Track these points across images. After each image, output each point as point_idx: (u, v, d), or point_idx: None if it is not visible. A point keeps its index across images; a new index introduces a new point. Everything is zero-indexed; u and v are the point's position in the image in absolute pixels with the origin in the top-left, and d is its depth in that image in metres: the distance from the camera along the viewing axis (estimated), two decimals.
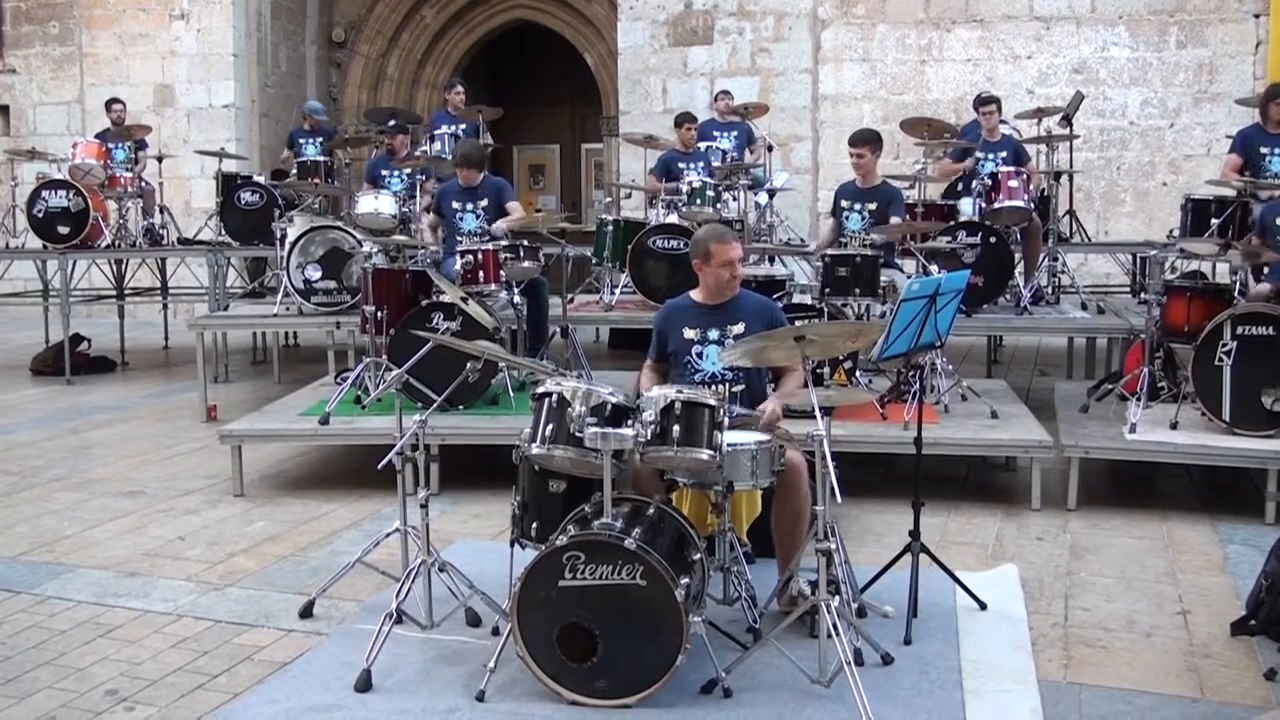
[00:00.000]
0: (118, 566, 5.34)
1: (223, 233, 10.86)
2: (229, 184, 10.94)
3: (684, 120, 9.95)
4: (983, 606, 4.61)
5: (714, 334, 4.76)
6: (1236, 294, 6.68)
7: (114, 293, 11.97)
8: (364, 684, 3.91)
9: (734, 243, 4.75)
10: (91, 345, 11.19)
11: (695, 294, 4.90)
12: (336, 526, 5.97)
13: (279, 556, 5.49)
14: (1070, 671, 4.11)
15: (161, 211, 11.66)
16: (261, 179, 11.23)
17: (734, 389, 4.62)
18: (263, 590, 5.03)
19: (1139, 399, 6.43)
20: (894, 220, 7.32)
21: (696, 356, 4.77)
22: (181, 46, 14.57)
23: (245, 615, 4.72)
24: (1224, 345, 6.00)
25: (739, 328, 4.73)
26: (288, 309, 8.76)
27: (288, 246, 8.62)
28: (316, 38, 16.32)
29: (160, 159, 12.08)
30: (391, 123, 10.16)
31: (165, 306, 12.43)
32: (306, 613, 4.66)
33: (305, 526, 5.98)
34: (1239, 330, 5.98)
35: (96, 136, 11.42)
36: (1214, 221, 8.15)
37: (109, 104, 11.76)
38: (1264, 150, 8.38)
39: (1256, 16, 12.28)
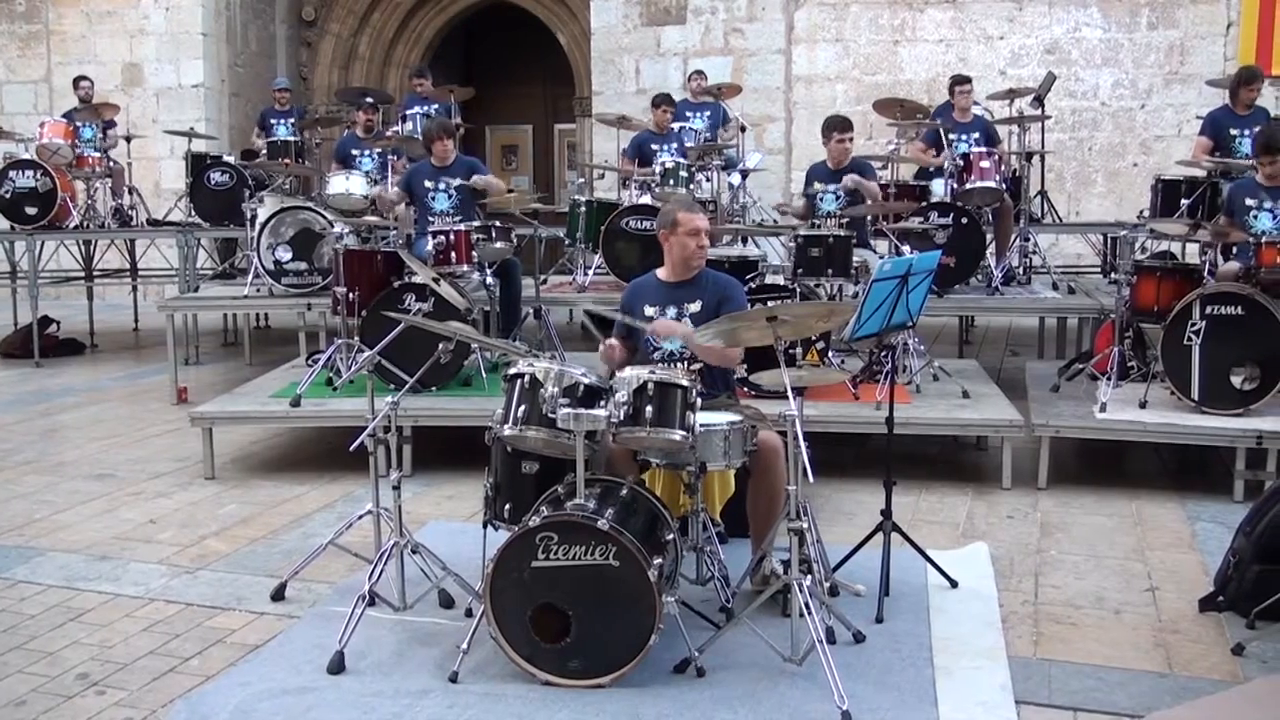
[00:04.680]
0: (88, 550, 5.31)
1: (192, 213, 10.78)
2: (199, 164, 10.84)
3: (661, 102, 9.91)
4: (954, 584, 4.64)
5: (672, 312, 4.73)
6: (1206, 274, 6.72)
7: (83, 274, 11.86)
8: (337, 666, 3.90)
9: (701, 214, 4.73)
10: (60, 327, 11.09)
11: (661, 272, 4.87)
12: (308, 509, 5.95)
13: (251, 539, 5.47)
14: (1040, 648, 4.15)
15: (130, 192, 11.55)
16: (231, 159, 11.13)
17: (692, 368, 4.59)
18: (234, 573, 5.01)
19: (1109, 378, 6.48)
20: (869, 184, 7.37)
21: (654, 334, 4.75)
22: (150, 25, 14.42)
23: (217, 598, 4.70)
24: (1193, 325, 6.04)
25: (695, 306, 4.71)
26: (258, 290, 8.71)
27: (258, 227, 8.56)
28: (286, 16, 16.17)
29: (129, 139, 11.95)
30: (368, 99, 10.10)
31: (135, 288, 12.33)
32: (278, 595, 4.65)
33: (277, 509, 5.96)
34: (1208, 310, 6.02)
35: (64, 116, 11.28)
36: (1184, 202, 8.21)
37: (76, 81, 11.63)
38: (1233, 132, 8.46)
39: None
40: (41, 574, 4.99)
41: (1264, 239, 6.28)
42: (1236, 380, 5.99)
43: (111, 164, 11.22)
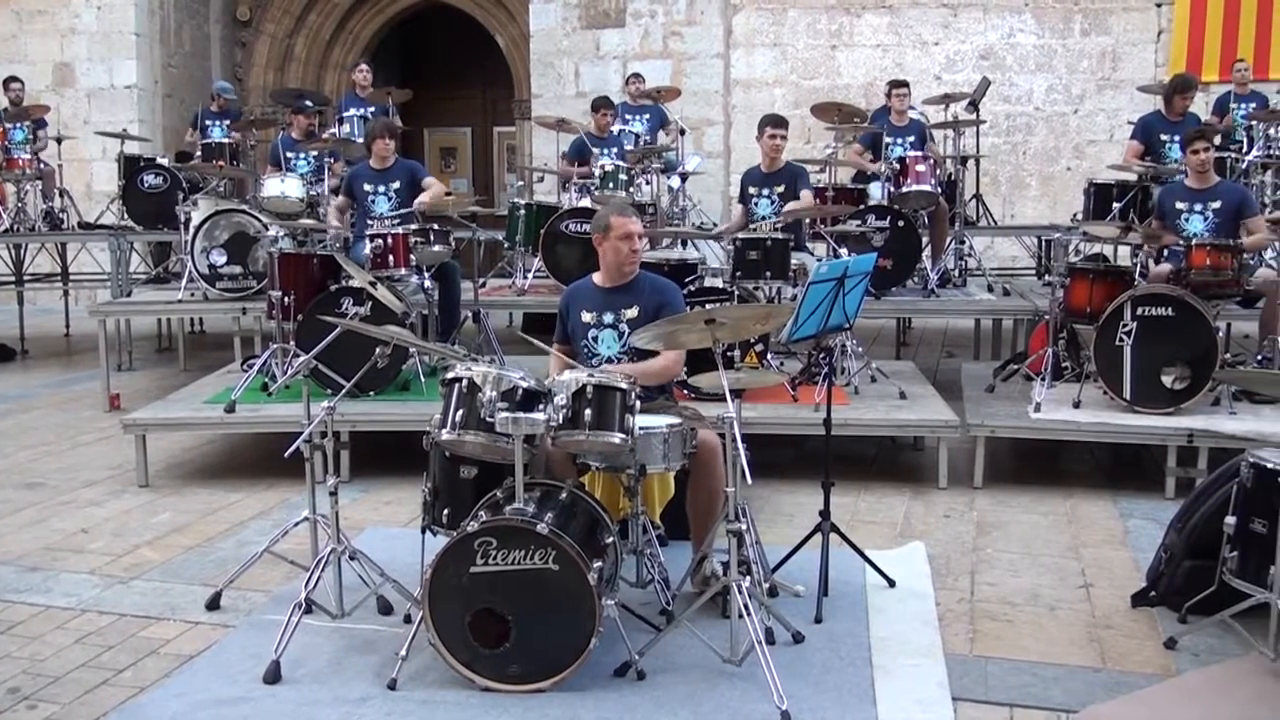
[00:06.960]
0: (18, 561, 5.21)
1: (125, 217, 10.61)
2: (131, 166, 10.68)
3: (601, 105, 9.92)
4: (891, 584, 4.68)
5: (609, 317, 4.72)
6: (1137, 276, 6.84)
7: (12, 279, 11.61)
8: (273, 675, 3.86)
9: (635, 218, 4.69)
10: None
11: (597, 276, 4.84)
12: (244, 516, 5.88)
13: (185, 548, 5.39)
14: (976, 645, 4.19)
15: (61, 195, 11.37)
16: (165, 161, 10.97)
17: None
18: (169, 582, 4.93)
19: (1043, 379, 6.57)
20: (803, 194, 7.39)
21: (592, 340, 4.73)
22: (81, 24, 14.15)
23: (151, 608, 4.63)
24: (1124, 326, 6.14)
25: (633, 311, 4.69)
26: (192, 295, 8.59)
27: (192, 231, 8.45)
28: (221, 16, 15.95)
29: (60, 140, 11.75)
30: (307, 102, 9.99)
31: (66, 293, 12.11)
32: (214, 604, 4.59)
33: (212, 517, 5.88)
34: (1139, 311, 6.13)
35: None
36: (1115, 205, 8.36)
37: (6, 83, 11.42)
38: (1164, 137, 8.65)
39: (1158, 5, 12.57)
40: None
41: (1194, 241, 6.41)
42: (1167, 380, 6.10)
43: (42, 166, 11.03)
